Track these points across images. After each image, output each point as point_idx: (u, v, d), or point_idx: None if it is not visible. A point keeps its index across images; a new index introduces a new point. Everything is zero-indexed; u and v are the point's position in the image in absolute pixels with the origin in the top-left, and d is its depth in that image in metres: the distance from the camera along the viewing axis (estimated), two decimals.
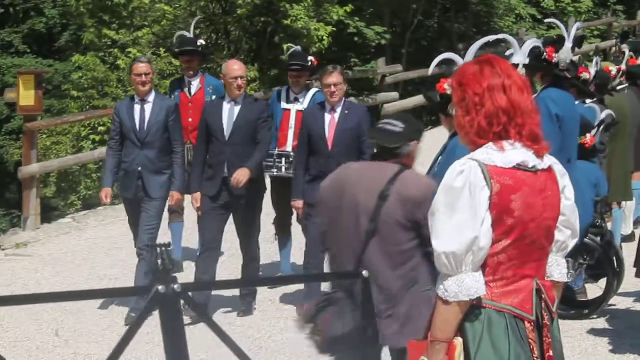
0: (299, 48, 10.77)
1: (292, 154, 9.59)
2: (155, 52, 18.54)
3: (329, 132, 8.83)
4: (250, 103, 9.09)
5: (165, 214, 10.16)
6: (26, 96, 12.78)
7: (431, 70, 6.57)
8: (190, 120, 10.35)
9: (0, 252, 12.19)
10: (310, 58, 10.25)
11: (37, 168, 13.20)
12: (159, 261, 3.08)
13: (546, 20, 16.85)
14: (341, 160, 8.17)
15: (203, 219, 9.15)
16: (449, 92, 5.80)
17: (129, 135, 9.21)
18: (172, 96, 10.51)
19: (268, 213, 9.94)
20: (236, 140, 8.92)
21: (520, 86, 3.95)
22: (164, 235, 10.62)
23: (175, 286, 3.02)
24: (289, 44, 12.19)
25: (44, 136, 18.38)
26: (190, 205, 9.45)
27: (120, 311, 9.09)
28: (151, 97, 9.29)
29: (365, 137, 8.55)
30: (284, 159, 9.78)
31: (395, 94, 20.33)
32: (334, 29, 19.32)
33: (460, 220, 3.78)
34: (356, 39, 22.98)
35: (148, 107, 9.23)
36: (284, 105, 10.05)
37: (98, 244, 11.51)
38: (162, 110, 9.22)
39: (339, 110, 8.90)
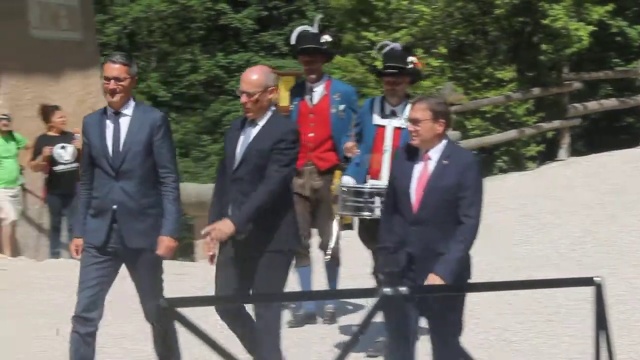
0: (397, 45, 8.03)
1: None
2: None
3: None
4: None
5: None
6: (285, 97, 13.09)
7: None
8: (311, 135, 8.37)
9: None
10: (410, 59, 7.79)
11: None
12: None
13: None
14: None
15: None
16: None
17: (100, 162, 6.66)
18: (292, 105, 8.58)
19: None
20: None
21: None
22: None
23: (403, 289, 3.03)
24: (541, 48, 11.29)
25: None
26: (317, 244, 8.41)
27: None
28: (129, 109, 6.68)
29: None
30: (377, 198, 7.22)
31: None
32: (595, 28, 18.85)
33: None
34: (618, 38, 22.34)
35: (124, 123, 6.65)
36: (376, 120, 7.76)
37: None
38: (144, 127, 6.63)
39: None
